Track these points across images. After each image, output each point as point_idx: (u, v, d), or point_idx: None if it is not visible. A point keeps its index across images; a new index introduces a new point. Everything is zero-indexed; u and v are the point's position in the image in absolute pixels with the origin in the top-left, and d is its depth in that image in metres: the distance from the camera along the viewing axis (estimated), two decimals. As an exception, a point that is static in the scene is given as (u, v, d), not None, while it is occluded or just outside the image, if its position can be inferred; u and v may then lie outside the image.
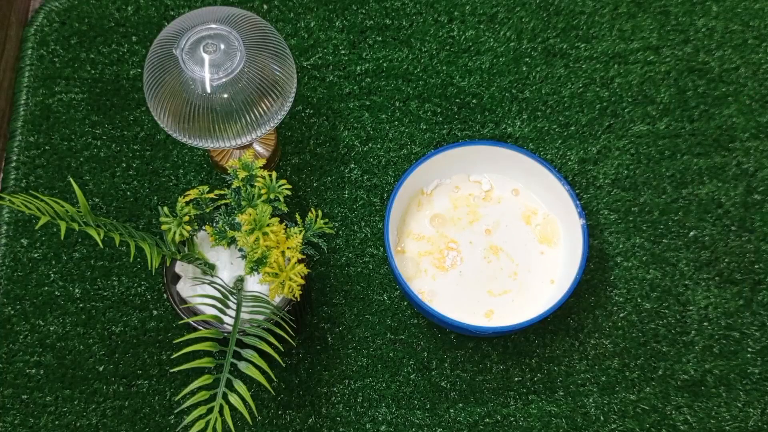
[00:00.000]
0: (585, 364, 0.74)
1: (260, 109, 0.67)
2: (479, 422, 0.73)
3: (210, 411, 0.54)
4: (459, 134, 0.82)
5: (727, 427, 0.72)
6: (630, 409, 0.73)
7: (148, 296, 0.77)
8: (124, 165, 0.81)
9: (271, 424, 0.73)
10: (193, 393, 0.54)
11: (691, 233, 0.78)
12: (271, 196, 0.62)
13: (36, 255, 0.78)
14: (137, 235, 0.60)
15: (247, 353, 0.56)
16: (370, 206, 0.80)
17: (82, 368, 0.74)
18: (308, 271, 0.61)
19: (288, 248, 0.60)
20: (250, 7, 0.87)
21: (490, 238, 0.76)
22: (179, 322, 0.75)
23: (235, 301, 0.62)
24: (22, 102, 0.83)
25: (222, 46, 0.65)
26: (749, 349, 0.75)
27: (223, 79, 0.65)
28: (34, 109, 0.83)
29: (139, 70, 0.84)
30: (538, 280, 0.74)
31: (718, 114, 0.82)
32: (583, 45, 0.85)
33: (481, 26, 0.86)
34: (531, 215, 0.76)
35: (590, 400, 0.73)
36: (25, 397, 0.74)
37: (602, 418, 0.73)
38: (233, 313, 0.61)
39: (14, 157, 0.81)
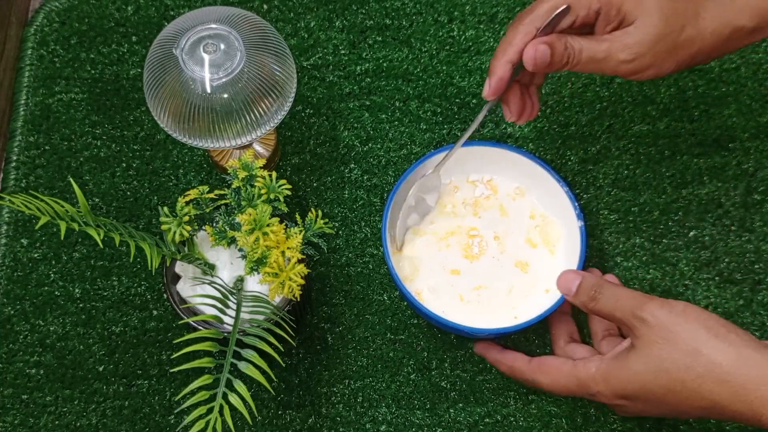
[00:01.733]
0: (585, 364, 0.74)
1: (260, 109, 0.67)
2: (479, 422, 0.73)
3: (210, 411, 0.54)
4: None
5: (727, 427, 0.72)
6: (630, 409, 0.73)
7: (148, 296, 0.77)
8: (124, 165, 0.81)
9: (271, 424, 0.73)
10: (193, 393, 0.54)
11: (691, 233, 0.78)
12: (271, 196, 0.62)
13: (36, 255, 0.78)
14: (137, 235, 0.60)
15: (247, 353, 0.56)
16: (370, 206, 0.80)
17: (82, 368, 0.74)
18: (308, 271, 0.61)
19: (288, 248, 0.60)
20: (250, 7, 0.87)
21: (488, 238, 0.76)
22: (179, 322, 0.75)
23: (235, 301, 0.62)
24: (22, 102, 0.83)
25: (222, 46, 0.65)
26: (749, 349, 0.75)
27: (223, 79, 0.65)
28: (34, 109, 0.83)
29: (139, 70, 0.84)
30: (538, 281, 0.74)
31: (718, 114, 0.82)
32: (583, 45, 0.85)
33: (481, 26, 0.86)
34: (530, 216, 0.76)
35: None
36: (25, 397, 0.74)
37: (602, 418, 0.73)
38: (233, 313, 0.61)
39: (14, 157, 0.81)
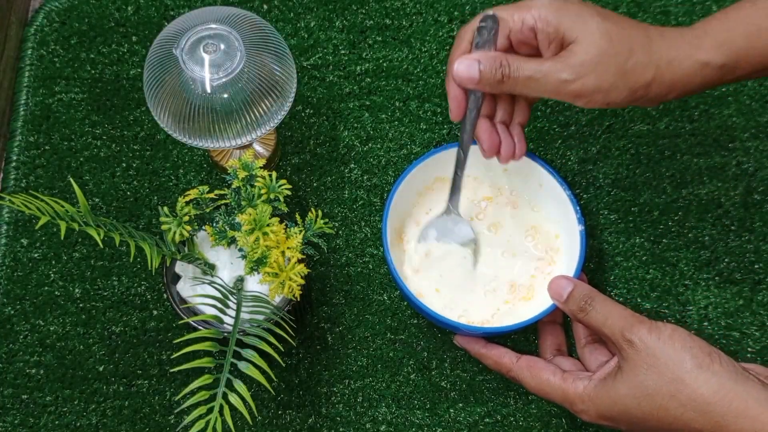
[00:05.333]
0: (585, 364, 0.74)
1: (260, 109, 0.67)
2: (479, 422, 0.73)
3: (210, 411, 0.54)
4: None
5: None
6: (630, 409, 0.73)
7: (148, 296, 0.77)
8: (124, 165, 0.81)
9: (271, 424, 0.73)
10: (193, 393, 0.54)
11: (691, 233, 0.78)
12: (271, 196, 0.62)
13: (36, 255, 0.78)
14: (137, 235, 0.60)
15: (247, 353, 0.57)
16: (370, 206, 0.80)
17: (82, 368, 0.74)
18: (308, 271, 0.61)
19: (288, 248, 0.60)
20: (250, 7, 0.87)
21: (487, 239, 0.76)
22: (179, 322, 0.75)
23: (235, 301, 0.62)
24: (22, 102, 0.83)
25: (222, 46, 0.65)
26: (749, 349, 0.75)
27: (223, 79, 0.65)
28: (34, 109, 0.83)
29: (139, 70, 0.84)
30: (537, 282, 0.74)
31: (718, 114, 0.82)
32: (583, 45, 0.85)
33: (481, 26, 0.86)
34: (529, 217, 0.76)
35: (590, 400, 0.73)
36: (25, 397, 0.74)
37: (602, 418, 0.73)
38: (233, 313, 0.61)
39: (14, 157, 0.81)
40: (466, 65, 0.63)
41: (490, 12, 0.63)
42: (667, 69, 0.61)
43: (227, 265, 0.68)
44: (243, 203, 0.62)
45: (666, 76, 0.61)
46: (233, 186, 0.63)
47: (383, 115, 0.83)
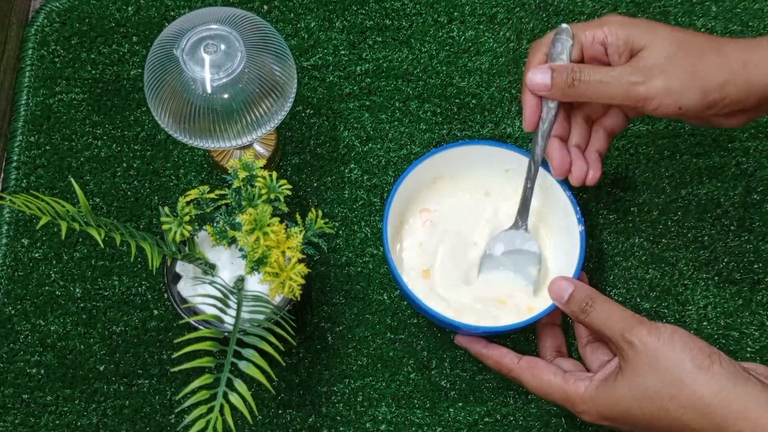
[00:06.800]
0: (584, 363, 0.74)
1: (260, 110, 0.67)
2: (479, 421, 0.73)
3: (210, 410, 0.54)
4: (459, 134, 0.82)
5: None
6: (629, 408, 0.73)
7: (149, 296, 0.77)
8: (124, 165, 0.81)
9: (271, 423, 0.73)
10: (193, 392, 0.54)
11: (690, 233, 0.78)
12: (272, 196, 0.62)
13: (37, 255, 0.78)
14: (138, 235, 0.60)
15: (248, 353, 0.57)
16: (370, 206, 0.80)
17: (82, 368, 0.75)
18: (308, 270, 0.61)
19: (288, 248, 0.60)
20: (250, 8, 0.87)
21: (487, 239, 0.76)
22: (180, 322, 0.75)
23: (235, 300, 0.62)
24: (23, 102, 0.83)
25: (222, 47, 0.65)
26: (748, 349, 0.75)
27: (224, 80, 0.65)
28: (35, 109, 0.83)
29: (140, 71, 0.84)
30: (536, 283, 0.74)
31: (718, 114, 0.82)
32: (582, 45, 0.85)
33: (481, 27, 0.86)
34: (529, 217, 0.76)
35: (590, 400, 0.73)
36: (26, 396, 0.74)
37: (602, 418, 0.73)
38: (234, 313, 0.61)
39: (15, 157, 0.81)
40: (541, 73, 0.65)
41: (564, 25, 0.66)
42: (742, 70, 0.61)
43: (228, 264, 0.68)
44: (243, 203, 0.62)
45: (741, 77, 0.61)
46: (234, 186, 0.63)
47: (383, 115, 0.83)
